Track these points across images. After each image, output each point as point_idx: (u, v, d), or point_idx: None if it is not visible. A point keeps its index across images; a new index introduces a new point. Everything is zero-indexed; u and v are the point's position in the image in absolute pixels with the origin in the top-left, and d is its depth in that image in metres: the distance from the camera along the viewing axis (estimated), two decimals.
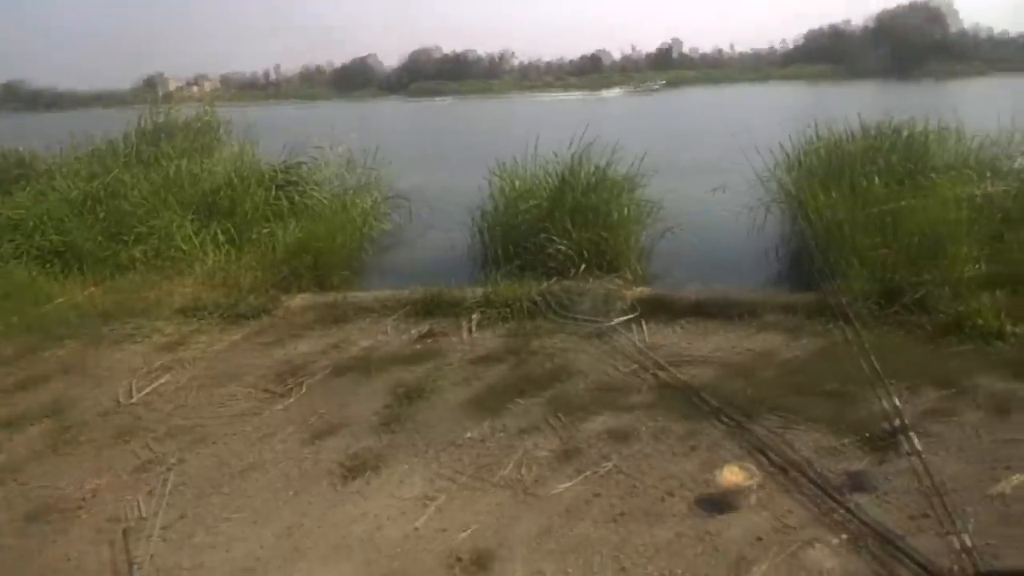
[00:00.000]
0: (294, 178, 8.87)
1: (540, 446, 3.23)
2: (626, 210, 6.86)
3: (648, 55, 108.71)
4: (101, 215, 7.39)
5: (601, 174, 7.23)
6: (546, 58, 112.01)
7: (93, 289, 5.86)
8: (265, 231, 7.30)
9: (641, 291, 5.27)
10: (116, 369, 4.32)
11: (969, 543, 2.29)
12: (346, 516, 2.79)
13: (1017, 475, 2.81)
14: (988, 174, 6.74)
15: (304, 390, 3.91)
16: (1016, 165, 7.02)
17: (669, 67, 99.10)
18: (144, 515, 2.83)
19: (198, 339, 4.77)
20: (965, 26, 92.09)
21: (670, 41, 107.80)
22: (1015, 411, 3.33)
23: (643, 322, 4.77)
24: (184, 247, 6.74)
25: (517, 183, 7.56)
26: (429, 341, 4.56)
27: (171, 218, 7.17)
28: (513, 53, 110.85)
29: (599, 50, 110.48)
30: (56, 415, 3.72)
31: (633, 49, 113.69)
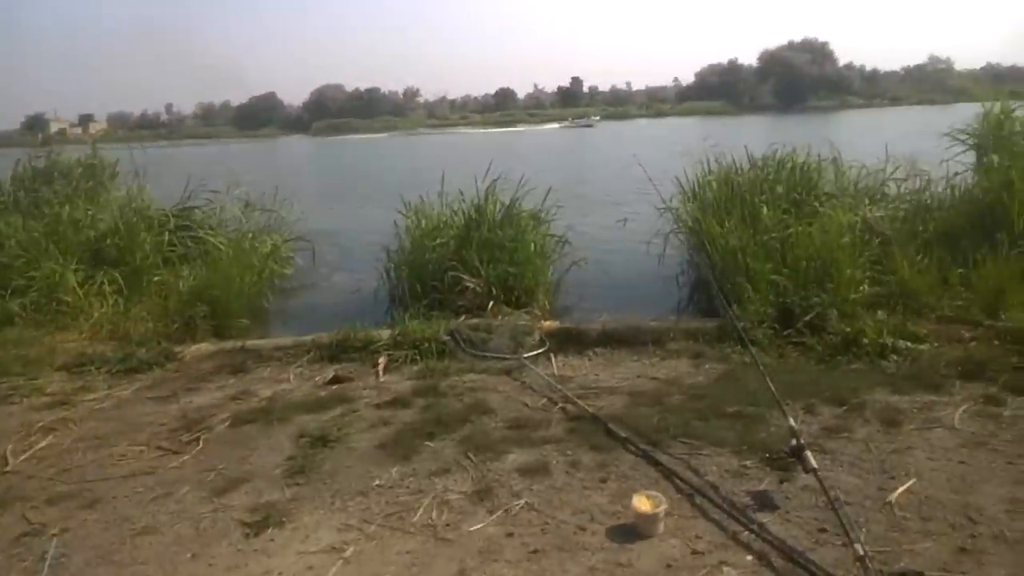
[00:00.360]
0: (188, 222, 8.54)
1: (451, 488, 3.17)
2: (534, 245, 6.94)
3: (553, 92, 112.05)
4: None
5: (509, 210, 7.31)
6: (452, 95, 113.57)
7: None
8: (157, 279, 6.97)
9: (551, 324, 5.31)
10: None
11: (863, 552, 2.38)
12: (249, 575, 2.64)
13: (904, 484, 2.97)
14: (867, 201, 7.24)
15: (201, 445, 3.69)
16: (891, 192, 7.56)
17: (574, 104, 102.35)
18: None
19: (84, 396, 4.46)
20: (842, 64, 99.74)
21: (571, 80, 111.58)
22: (902, 422, 3.53)
23: (553, 355, 4.81)
24: (68, 299, 6.33)
25: (424, 221, 7.53)
26: (335, 387, 4.42)
27: (54, 268, 6.73)
28: (419, 90, 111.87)
29: (505, 88, 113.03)
30: None
31: (536, 87, 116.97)
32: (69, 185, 9.61)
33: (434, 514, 2.97)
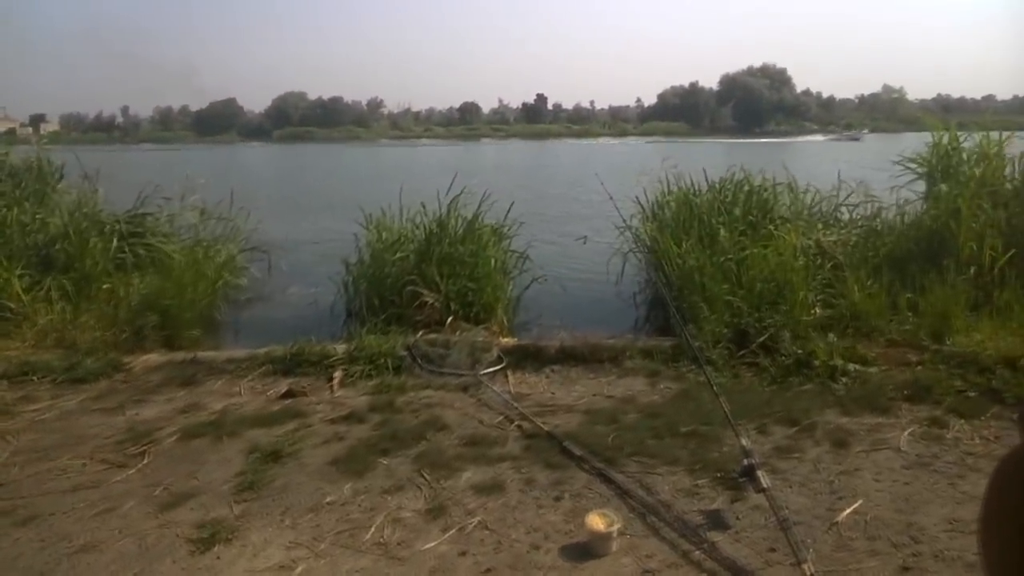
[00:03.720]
0: (140, 229, 8.34)
1: (405, 506, 3.13)
2: (494, 261, 6.94)
3: (518, 108, 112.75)
4: None
5: (471, 224, 7.30)
6: (416, 107, 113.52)
7: None
8: (107, 286, 6.77)
9: (508, 341, 5.31)
10: None
11: (811, 572, 2.42)
12: None
13: (851, 504, 3.03)
14: (820, 225, 7.43)
15: (148, 459, 3.59)
16: (843, 217, 7.76)
17: (539, 120, 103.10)
18: None
19: (25, 407, 4.29)
20: (799, 90, 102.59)
21: (535, 96, 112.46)
22: (850, 444, 3.61)
23: (509, 373, 4.81)
24: (12, 305, 6.12)
25: (384, 234, 7.48)
26: (288, 402, 4.34)
27: None
28: (382, 101, 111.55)
29: (470, 101, 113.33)
30: None
31: (501, 102, 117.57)
32: (17, 187, 9.31)
33: (386, 532, 2.93)
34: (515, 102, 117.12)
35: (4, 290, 6.32)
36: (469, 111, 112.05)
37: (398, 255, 7.05)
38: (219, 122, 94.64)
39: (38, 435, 3.92)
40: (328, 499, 3.20)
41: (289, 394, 4.43)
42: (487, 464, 3.48)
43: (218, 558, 2.79)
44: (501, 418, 4.06)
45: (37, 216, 8.11)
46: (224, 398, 4.42)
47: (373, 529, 2.95)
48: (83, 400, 4.43)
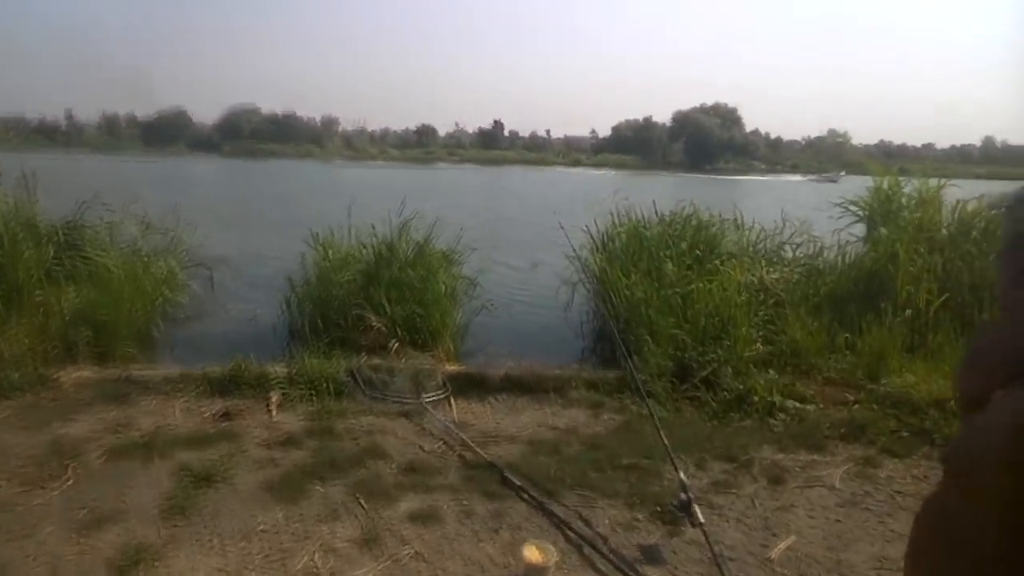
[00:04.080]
0: (79, 239, 8.06)
1: (338, 534, 3.07)
2: (443, 286, 6.91)
3: (475, 132, 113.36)
4: None
5: (421, 248, 7.27)
6: (371, 127, 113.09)
7: None
8: (39, 297, 6.50)
9: (453, 368, 5.28)
10: None
11: None
12: None
13: (784, 540, 3.08)
14: (764, 262, 7.62)
15: (72, 479, 3.44)
16: (787, 255, 7.98)
17: (495, 146, 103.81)
18: None
19: None
20: (748, 130, 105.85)
21: (492, 122, 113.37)
22: (786, 480, 3.69)
23: (453, 400, 4.78)
24: None
25: (331, 254, 7.39)
26: (224, 424, 4.23)
27: None
28: (338, 119, 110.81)
29: (426, 124, 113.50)
30: None
31: (457, 126, 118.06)
32: None
33: (317, 560, 2.87)
34: (472, 126, 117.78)
35: None
36: (425, 133, 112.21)
37: (345, 276, 6.96)
38: (168, 132, 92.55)
39: None
40: (260, 526, 3.11)
41: (225, 415, 4.30)
42: (425, 493, 3.44)
43: None
44: (442, 446, 4.02)
45: None
46: (157, 417, 4.27)
47: (305, 557, 2.88)
48: (6, 415, 4.23)
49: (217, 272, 8.59)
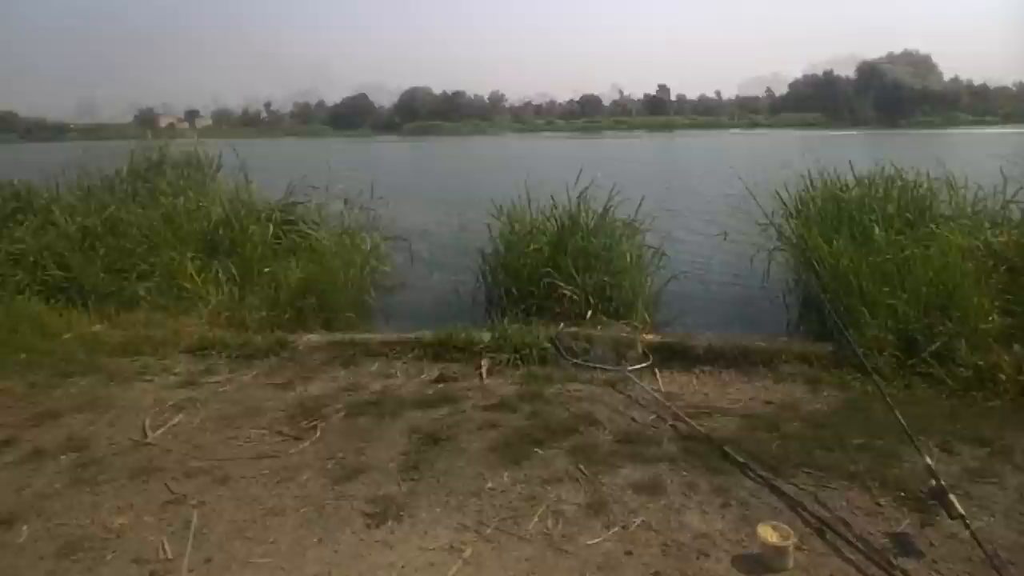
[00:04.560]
0: (292, 217, 8.85)
1: (565, 498, 3.15)
2: (629, 255, 6.85)
3: (640, 100, 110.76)
4: (102, 251, 7.30)
5: (602, 218, 7.25)
6: (536, 100, 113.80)
7: (99, 326, 5.76)
8: (268, 270, 7.23)
9: (652, 338, 5.22)
10: (128, 407, 4.21)
11: None
12: (374, 565, 2.70)
13: None
14: (987, 224, 6.81)
15: (319, 434, 3.81)
16: (1014, 216, 7.08)
17: (662, 112, 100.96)
18: (170, 556, 2.73)
19: (209, 378, 4.69)
20: (947, 78, 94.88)
21: (657, 87, 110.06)
22: None
23: (657, 371, 4.74)
24: (188, 285, 6.66)
25: (517, 226, 7.55)
26: (441, 386, 4.49)
27: (173, 256, 7.09)
28: (504, 95, 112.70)
29: (590, 94, 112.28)
30: (74, 452, 3.62)
31: (622, 94, 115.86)
32: (180, 177, 10.12)
33: (549, 523, 2.96)
34: (636, 93, 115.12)
35: (179, 271, 6.88)
36: (589, 103, 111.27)
37: (532, 247, 7.10)
38: (353, 117, 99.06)
39: (221, 405, 4.26)
40: (489, 485, 3.27)
41: (441, 379, 4.58)
42: (644, 463, 3.44)
43: (392, 533, 2.91)
44: (654, 416, 4.00)
45: (200, 204, 8.76)
46: (382, 379, 4.63)
47: (536, 519, 2.99)
48: (256, 375, 4.77)
49: (413, 244, 9.08)
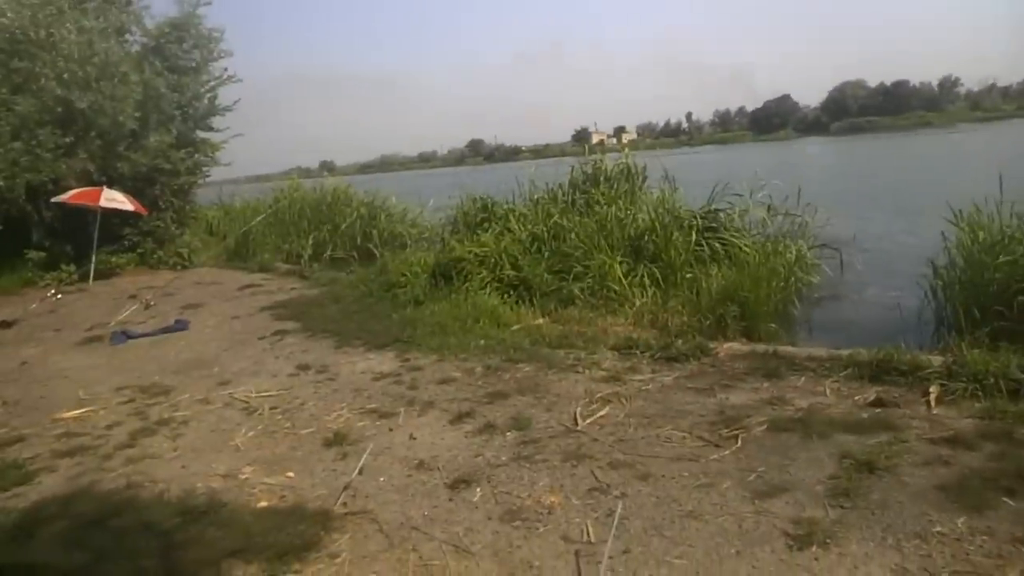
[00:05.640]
0: (714, 224, 8.92)
1: None
2: None
3: None
4: (546, 254, 8.33)
5: None
6: (1004, 82, 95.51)
7: (542, 320, 6.60)
8: (689, 276, 7.43)
9: None
10: (563, 395, 4.74)
11: None
12: None
13: None
14: None
15: (740, 444, 3.77)
16: None
17: None
18: (593, 540, 2.99)
19: (633, 376, 5.00)
20: None
21: None
22: None
23: None
24: (616, 287, 7.21)
25: (981, 234, 6.45)
26: (878, 411, 4.06)
27: (604, 260, 7.74)
28: (958, 79, 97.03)
29: None
30: (518, 430, 4.21)
31: None
32: (611, 188, 10.97)
33: None
34: None
35: (609, 274, 7.49)
36: None
37: (1002, 259, 5.99)
38: (774, 119, 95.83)
39: (644, 402, 4.51)
40: (937, 528, 2.85)
41: (879, 403, 4.13)
42: None
43: (815, 560, 2.74)
44: None
45: (628, 212, 9.37)
46: (808, 396, 4.38)
47: None
48: (677, 377, 4.93)
49: (845, 254, 8.41)
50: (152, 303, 9.38)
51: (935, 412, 3.99)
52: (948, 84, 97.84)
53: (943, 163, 25.64)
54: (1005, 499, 3.00)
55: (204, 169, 14.44)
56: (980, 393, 4.13)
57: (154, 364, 6.42)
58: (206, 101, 13.96)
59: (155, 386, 5.69)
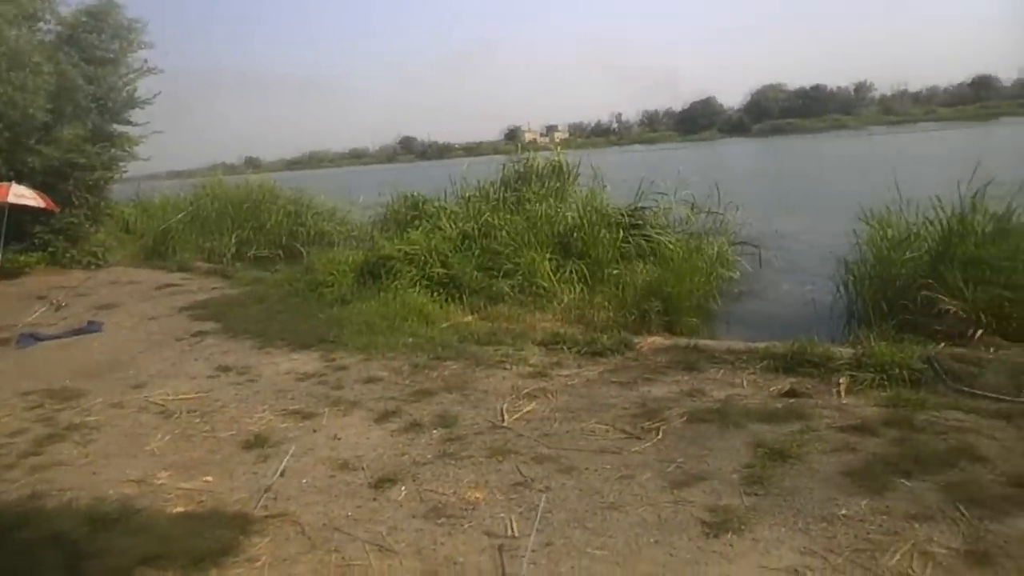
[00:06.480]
0: (640, 221, 9.12)
1: (935, 539, 2.74)
2: None
3: None
4: (476, 252, 8.34)
5: (1001, 221, 6.16)
6: (913, 87, 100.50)
7: (470, 317, 6.61)
8: (615, 272, 7.57)
9: None
10: (490, 392, 4.76)
11: None
12: (708, 575, 2.66)
13: None
14: None
15: (660, 435, 3.87)
16: None
17: None
18: (516, 535, 3.02)
19: (559, 371, 5.07)
20: None
21: None
22: None
23: None
24: (544, 284, 7.28)
25: (889, 232, 6.80)
26: (791, 401, 4.23)
27: (533, 257, 7.81)
28: (872, 84, 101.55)
29: (983, 75, 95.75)
30: (444, 428, 4.20)
31: None
32: (542, 186, 11.08)
33: (914, 564, 2.61)
34: None
35: (537, 271, 7.55)
36: (983, 85, 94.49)
37: (908, 255, 6.33)
38: (699, 121, 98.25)
39: (569, 398, 4.57)
40: (842, 511, 2.99)
41: (792, 393, 4.31)
42: None
43: (730, 546, 2.83)
44: None
45: (558, 210, 9.49)
46: (726, 387, 4.53)
47: (897, 556, 2.66)
48: (601, 372, 5.02)
49: (762, 250, 8.72)
50: (63, 304, 8.94)
51: (844, 401, 4.19)
52: (863, 89, 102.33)
53: (852, 163, 26.82)
54: (902, 480, 3.18)
55: (121, 164, 13.77)
56: (886, 383, 4.36)
57: (64, 367, 6.12)
58: (124, 94, 13.30)
59: (65, 390, 5.42)
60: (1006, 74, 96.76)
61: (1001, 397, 3.97)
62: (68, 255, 12.48)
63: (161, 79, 13.78)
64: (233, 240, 13.22)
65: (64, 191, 12.48)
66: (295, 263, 10.73)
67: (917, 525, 2.85)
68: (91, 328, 7.52)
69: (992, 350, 4.69)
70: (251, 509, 3.40)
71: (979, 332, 5.06)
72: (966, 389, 4.13)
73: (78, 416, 4.85)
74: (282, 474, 3.75)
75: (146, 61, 13.47)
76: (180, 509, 3.46)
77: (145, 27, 13.27)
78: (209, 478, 3.77)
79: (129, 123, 13.58)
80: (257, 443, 4.16)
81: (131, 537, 3.17)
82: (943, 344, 4.79)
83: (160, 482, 3.76)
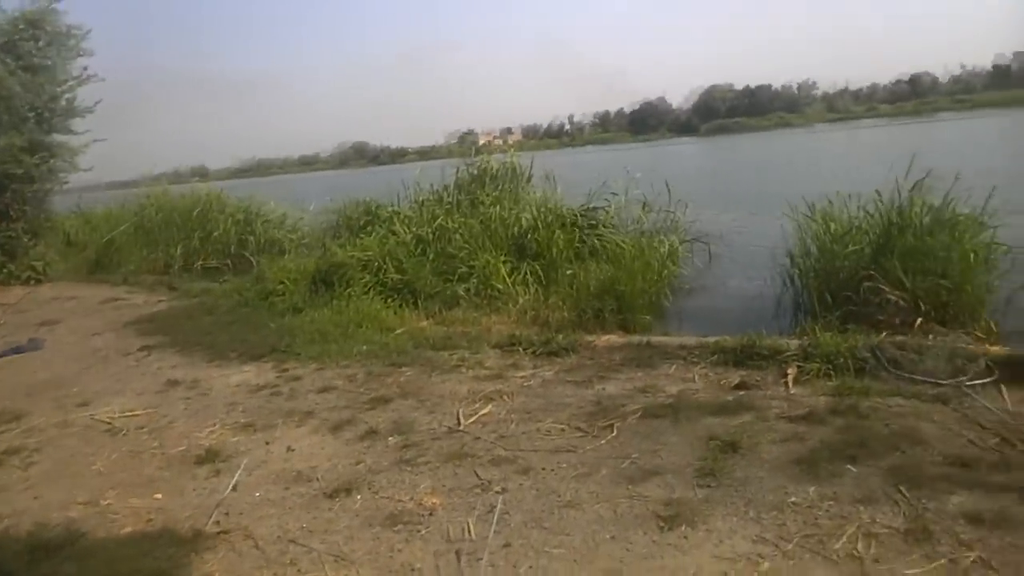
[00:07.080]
0: (593, 221, 9.21)
1: (880, 521, 2.83)
2: (973, 255, 5.93)
3: (988, 72, 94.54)
4: (431, 256, 8.32)
5: (939, 213, 6.39)
6: (854, 85, 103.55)
7: (426, 322, 6.59)
8: (569, 272, 7.62)
9: (1000, 350, 4.46)
10: (446, 396, 4.74)
11: None
12: (665, 568, 2.69)
13: None
14: None
15: (616, 432, 3.91)
16: None
17: (1016, 85, 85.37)
18: (474, 538, 3.02)
19: (515, 373, 5.08)
20: None
21: (1012, 55, 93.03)
22: None
23: (1004, 387, 4.04)
24: (500, 286, 7.30)
25: (832, 225, 6.99)
26: (741, 393, 4.32)
27: (488, 259, 7.82)
28: (815, 83, 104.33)
29: (920, 72, 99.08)
30: (400, 434, 4.18)
31: (963, 68, 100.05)
32: (496, 188, 11.10)
33: (860, 545, 2.69)
34: (983, 65, 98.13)
35: (494, 274, 7.57)
36: (920, 83, 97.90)
37: (850, 248, 6.52)
38: (650, 120, 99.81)
39: (525, 399, 4.59)
40: (792, 499, 3.07)
41: (742, 386, 4.40)
42: (984, 491, 2.96)
43: (685, 538, 2.88)
44: (997, 439, 3.42)
45: (512, 212, 9.52)
46: (679, 383, 4.60)
47: (844, 539, 2.74)
48: (557, 371, 5.05)
49: (712, 247, 8.89)
50: (1, 322, 8.63)
51: (792, 392, 4.29)
52: (806, 87, 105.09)
53: (799, 159, 27.53)
54: (848, 466, 3.28)
55: (61, 175, 13.35)
56: (832, 372, 4.47)
57: (2, 388, 5.91)
58: (64, 102, 12.91)
59: (4, 412, 5.22)
60: (942, 71, 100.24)
61: (939, 382, 4.12)
62: (6, 271, 12.05)
63: (103, 86, 13.41)
64: (180, 251, 12.90)
65: (1, 204, 12.07)
66: (245, 273, 10.53)
67: (862, 508, 2.93)
68: (31, 346, 7.26)
69: (931, 337, 4.86)
70: (203, 525, 3.33)
71: (919, 320, 5.23)
72: (907, 375, 4.27)
73: (18, 438, 4.68)
74: (235, 488, 3.68)
75: (86, 68, 13.10)
76: (128, 530, 3.36)
77: (86, 34, 12.92)
78: (159, 496, 3.68)
79: (70, 132, 13.18)
80: (208, 458, 4.08)
81: (75, 563, 3.07)
82: (886, 333, 4.95)
83: (107, 503, 3.65)
